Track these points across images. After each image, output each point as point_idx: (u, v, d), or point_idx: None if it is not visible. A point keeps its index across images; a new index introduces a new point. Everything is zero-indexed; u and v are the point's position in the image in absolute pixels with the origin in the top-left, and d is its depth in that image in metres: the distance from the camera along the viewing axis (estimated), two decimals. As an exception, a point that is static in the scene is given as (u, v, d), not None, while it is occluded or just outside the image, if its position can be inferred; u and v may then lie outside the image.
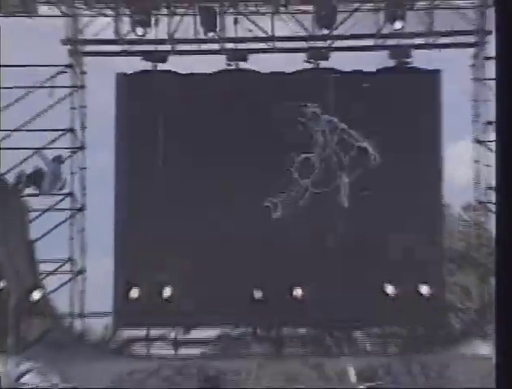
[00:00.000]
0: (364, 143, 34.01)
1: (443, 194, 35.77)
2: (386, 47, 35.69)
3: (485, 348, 31.15)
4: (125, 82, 35.57)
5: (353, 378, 24.96)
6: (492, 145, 35.95)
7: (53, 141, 35.96)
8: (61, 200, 35.73)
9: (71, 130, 36.10)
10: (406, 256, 33.36)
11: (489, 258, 38.37)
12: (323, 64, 35.44)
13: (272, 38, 35.72)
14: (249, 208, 33.99)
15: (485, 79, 35.89)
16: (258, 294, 31.83)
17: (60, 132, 36.08)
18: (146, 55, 35.59)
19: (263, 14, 35.40)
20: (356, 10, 35.02)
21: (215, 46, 35.77)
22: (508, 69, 8.60)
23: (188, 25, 35.19)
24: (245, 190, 34.02)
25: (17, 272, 32.55)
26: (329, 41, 35.72)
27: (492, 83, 35.44)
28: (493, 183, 34.82)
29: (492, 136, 36.14)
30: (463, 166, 37.31)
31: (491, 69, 35.40)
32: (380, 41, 35.76)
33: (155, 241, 33.64)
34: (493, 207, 33.09)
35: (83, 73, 36.60)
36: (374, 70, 35.63)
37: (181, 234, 33.68)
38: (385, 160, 33.83)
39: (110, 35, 35.81)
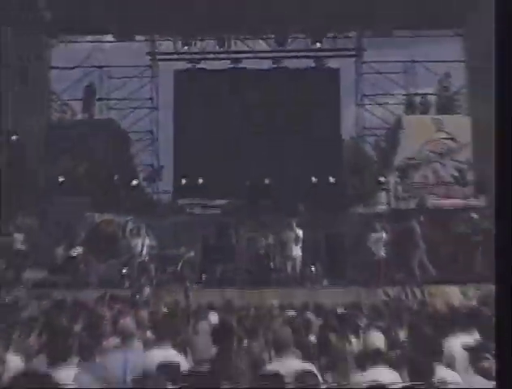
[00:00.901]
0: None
1: (341, 131, 36.91)
2: (311, 57, 36.35)
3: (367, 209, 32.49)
4: (178, 74, 36.26)
5: (295, 227, 25.33)
6: (370, 107, 37.38)
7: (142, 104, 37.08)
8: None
9: (151, 99, 37.08)
10: (323, 161, 33.88)
11: (364, 161, 39.60)
12: (280, 64, 36.32)
13: (254, 51, 36.60)
14: (249, 138, 34.66)
15: (363, 73, 36.46)
16: (247, 183, 32.32)
17: (145, 100, 37.24)
18: (189, 60, 36.26)
19: (249, 38, 36.31)
20: (296, 37, 35.92)
21: (224, 55, 36.47)
22: (508, 69, 5.53)
23: (210, 44, 36.28)
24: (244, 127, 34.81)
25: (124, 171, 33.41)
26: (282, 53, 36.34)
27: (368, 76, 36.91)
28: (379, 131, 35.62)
29: (366, 101, 37.43)
30: (350, 117, 38.00)
31: (364, 68, 36.43)
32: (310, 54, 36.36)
33: (195, 153, 33.96)
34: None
35: (157, 69, 37.34)
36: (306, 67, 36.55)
37: (209, 149, 33.96)
38: (312, 116, 34.56)
39: (171, 50, 36.92)
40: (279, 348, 8.26)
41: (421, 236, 25.18)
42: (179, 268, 25.81)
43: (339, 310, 15.21)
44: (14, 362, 8.71)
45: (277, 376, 5.40)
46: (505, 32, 5.31)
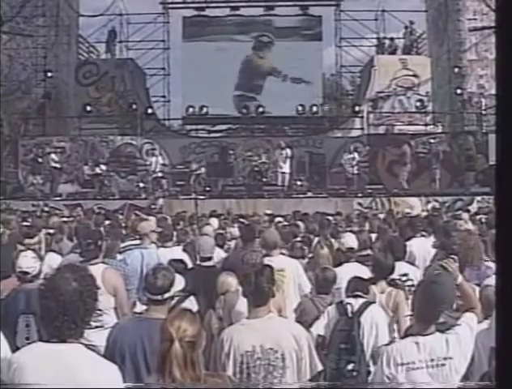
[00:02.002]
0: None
1: (323, 68, 36.65)
2: (298, 5, 35.46)
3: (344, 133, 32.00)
4: (186, 20, 35.71)
5: (284, 148, 25.35)
6: (347, 48, 36.79)
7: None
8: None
9: (163, 41, 36.35)
10: (307, 93, 33.38)
11: (342, 93, 39.58)
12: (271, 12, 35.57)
13: (249, 1, 35.54)
14: (245, 72, 34.43)
15: (341, 20, 35.38)
16: (244, 111, 31.46)
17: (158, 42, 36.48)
18: (195, 8, 35.69)
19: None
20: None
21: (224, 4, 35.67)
22: (509, 70, 4.07)
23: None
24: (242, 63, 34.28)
25: (141, 101, 33.11)
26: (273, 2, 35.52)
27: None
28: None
29: (344, 43, 36.96)
30: (331, 56, 37.62)
31: (342, 15, 35.67)
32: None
33: (201, 86, 32.62)
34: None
35: (168, 16, 36.44)
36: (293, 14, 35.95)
37: (212, 83, 32.56)
38: (299, 55, 33.83)
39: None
40: (268, 248, 8.33)
41: (410, 157, 25.50)
42: (192, 182, 25.83)
43: (321, 217, 15.21)
44: (52, 259, 8.74)
45: (267, 267, 5.49)
46: (505, 33, 4.22)
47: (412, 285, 7.03)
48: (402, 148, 25.77)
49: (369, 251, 8.99)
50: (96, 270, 6.76)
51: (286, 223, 13.72)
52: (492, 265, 7.37)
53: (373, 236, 11.09)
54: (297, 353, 5.06)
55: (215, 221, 14.00)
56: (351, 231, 10.49)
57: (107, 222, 14.25)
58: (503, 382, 3.67)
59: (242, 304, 5.55)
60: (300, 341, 5.10)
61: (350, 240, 8.60)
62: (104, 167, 26.39)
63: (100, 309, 6.58)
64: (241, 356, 5.04)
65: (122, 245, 9.37)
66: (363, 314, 6.15)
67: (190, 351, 3.89)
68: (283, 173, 25.37)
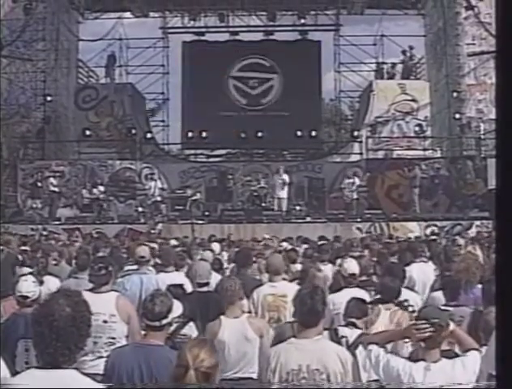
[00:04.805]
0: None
1: (321, 93, 36.56)
2: (297, 30, 35.78)
3: (343, 158, 32.07)
4: (185, 45, 35.72)
5: (283, 173, 25.24)
6: (346, 73, 36.68)
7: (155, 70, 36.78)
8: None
9: (163, 66, 36.52)
10: (306, 118, 33.11)
11: (341, 118, 39.52)
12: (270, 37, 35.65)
13: (248, 26, 35.88)
14: (243, 98, 34.54)
15: (340, 45, 35.76)
16: (242, 135, 31.70)
17: (157, 67, 36.69)
18: (195, 33, 35.71)
19: (245, 15, 35.74)
20: (284, 14, 35.46)
21: (224, 29, 35.80)
22: (508, 95, 3.91)
23: (212, 19, 35.87)
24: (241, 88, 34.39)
25: (140, 125, 33.04)
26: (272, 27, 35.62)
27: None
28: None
29: (343, 68, 36.94)
30: (330, 81, 37.71)
31: (341, 40, 35.91)
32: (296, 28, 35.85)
33: (200, 110, 32.86)
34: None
35: (168, 41, 36.67)
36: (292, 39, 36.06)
37: (212, 107, 32.85)
38: (297, 81, 33.72)
39: (179, 24, 36.44)
40: (271, 273, 8.33)
41: (420, 179, 25.56)
42: (188, 207, 25.84)
43: (320, 242, 15.18)
44: (51, 282, 8.72)
45: (320, 288, 5.55)
46: (505, 33, 4.04)
47: (413, 311, 6.93)
48: (413, 172, 25.77)
49: (369, 276, 8.93)
50: (109, 298, 6.79)
51: (285, 248, 13.64)
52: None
53: (374, 261, 11.00)
54: (342, 377, 5.10)
55: (216, 246, 13.87)
56: (351, 256, 10.39)
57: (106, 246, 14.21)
58: (503, 382, 3.68)
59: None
60: (347, 365, 5.15)
61: (352, 265, 8.51)
62: (102, 188, 26.45)
63: (113, 338, 6.62)
64: (287, 373, 5.14)
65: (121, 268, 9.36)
66: (359, 347, 5.92)
67: (204, 382, 3.85)
68: (280, 198, 25.36)
